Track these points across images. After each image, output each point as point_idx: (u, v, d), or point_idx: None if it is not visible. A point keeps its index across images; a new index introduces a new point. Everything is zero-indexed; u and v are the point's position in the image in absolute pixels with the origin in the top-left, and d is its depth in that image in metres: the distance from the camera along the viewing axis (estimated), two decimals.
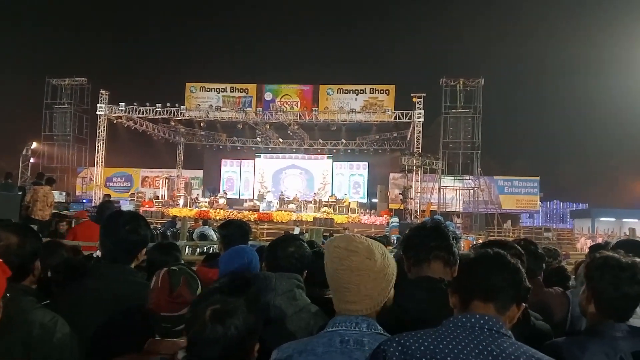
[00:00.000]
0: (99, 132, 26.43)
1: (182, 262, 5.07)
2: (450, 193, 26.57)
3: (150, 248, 2.88)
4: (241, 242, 2.84)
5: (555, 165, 35.61)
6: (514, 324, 1.72)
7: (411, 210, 24.26)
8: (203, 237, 13.10)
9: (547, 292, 2.65)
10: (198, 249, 11.06)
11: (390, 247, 7.41)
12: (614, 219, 26.69)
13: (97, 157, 26.86)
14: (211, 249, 10.16)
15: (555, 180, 33.32)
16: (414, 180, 24.79)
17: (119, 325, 1.70)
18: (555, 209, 33.28)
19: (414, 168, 24.33)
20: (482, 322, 1.36)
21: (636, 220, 26.41)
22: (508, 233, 24.98)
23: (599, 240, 19.10)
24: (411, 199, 24.54)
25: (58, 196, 16.72)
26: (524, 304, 1.43)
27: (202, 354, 1.28)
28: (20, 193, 9.81)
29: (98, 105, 26.06)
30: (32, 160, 25.89)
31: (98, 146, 26.71)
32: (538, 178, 28.70)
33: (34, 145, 26.60)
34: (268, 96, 27.44)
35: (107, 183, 30.15)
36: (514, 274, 1.42)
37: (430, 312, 1.67)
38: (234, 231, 2.95)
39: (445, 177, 25.95)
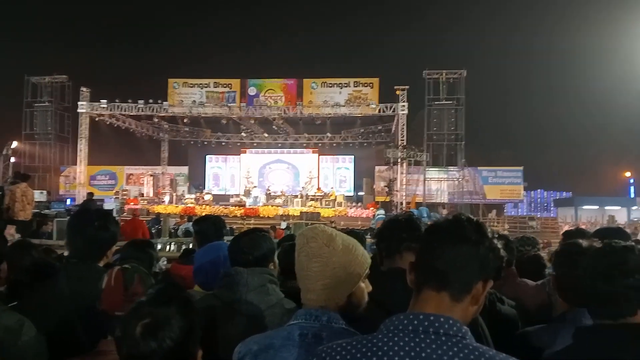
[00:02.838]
0: (80, 130, 26.10)
1: (163, 259, 5.01)
2: (435, 184, 26.71)
3: (124, 246, 2.84)
4: (215, 238, 2.81)
5: (539, 155, 36.05)
6: (480, 310, 1.72)
7: (397, 202, 24.35)
8: (188, 233, 13.03)
9: (519, 283, 2.65)
10: (183, 246, 11.01)
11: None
12: (596, 207, 27.10)
13: (80, 155, 26.53)
14: None
15: (539, 170, 33.75)
16: (399, 172, 24.87)
17: (72, 326, 1.66)
18: (539, 198, 33.65)
19: (399, 160, 24.42)
20: (426, 323, 1.10)
21: (618, 207, 26.85)
22: (493, 223, 25.18)
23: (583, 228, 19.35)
24: (397, 191, 24.63)
25: (39, 195, 16.47)
26: (491, 281, 1.18)
27: None
28: (0, 193, 9.63)
29: (79, 102, 25.74)
30: (12, 159, 25.52)
31: (80, 144, 26.39)
32: (521, 168, 28.96)
33: (15, 144, 26.21)
34: (252, 91, 27.27)
35: (91, 181, 29.79)
36: (477, 246, 1.15)
37: (402, 303, 1.67)
38: (208, 227, 2.92)
39: (430, 169, 26.07)
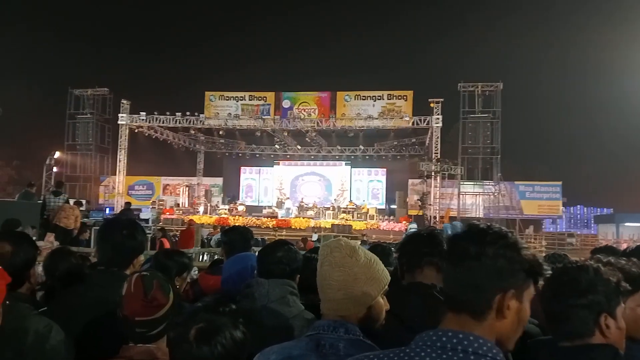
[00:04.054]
0: (120, 141, 26.91)
1: (194, 269, 5.09)
2: (470, 199, 26.26)
3: (155, 254, 2.91)
4: (243, 249, 2.85)
5: (578, 170, 35.00)
6: None
7: (430, 216, 24.06)
8: (221, 243, 13.24)
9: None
10: (216, 256, 11.16)
11: None
12: (639, 224, 26.05)
13: (119, 165, 27.32)
14: None
15: (579, 185, 32.73)
16: (432, 186, 24.59)
17: (96, 331, 1.72)
18: (579, 214, 32.62)
19: (433, 174, 24.15)
20: (454, 341, 1.07)
21: None
22: (530, 239, 24.57)
23: (624, 246, 18.63)
24: (430, 205, 24.33)
25: None
26: (513, 290, 1.08)
27: None
28: (40, 201, 10.02)
29: (119, 114, 26.57)
30: (55, 169, 26.43)
31: (120, 155, 27.19)
32: (560, 183, 28.20)
33: (57, 154, 27.16)
34: (286, 104, 27.56)
35: (129, 191, 30.58)
36: (479, 259, 1.08)
37: (421, 318, 1.66)
38: (236, 237, 2.97)
39: (465, 183, 25.67)
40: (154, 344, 1.58)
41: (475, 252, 1.09)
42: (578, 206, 32.90)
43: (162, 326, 1.58)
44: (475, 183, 25.99)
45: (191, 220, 16.37)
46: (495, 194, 25.61)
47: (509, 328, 1.10)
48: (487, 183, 25.84)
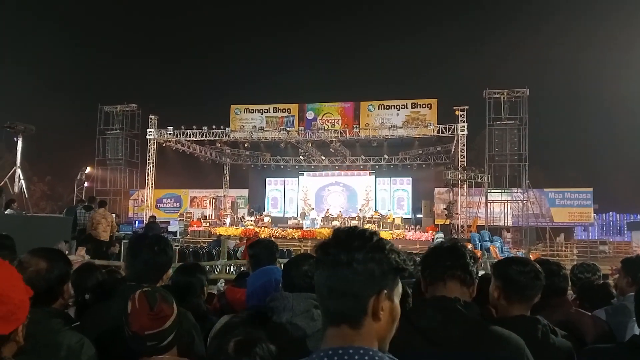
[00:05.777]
0: (149, 156, 27.43)
1: (221, 281, 5.14)
2: (497, 207, 25.87)
3: (174, 270, 2.97)
4: (268, 261, 2.88)
5: (611, 175, 34.08)
6: (532, 342, 1.67)
7: (457, 225, 23.76)
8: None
9: (576, 312, 2.48)
10: (243, 268, 11.24)
11: None
12: None
13: (148, 179, 27.83)
14: None
15: (611, 191, 31.87)
16: (459, 194, 24.30)
17: (125, 346, 1.77)
18: (611, 221, 31.71)
19: (459, 182, 23.88)
20: (336, 358, 1.01)
21: None
22: (561, 247, 24.04)
23: None
24: (457, 213, 24.04)
25: None
26: (384, 291, 1.06)
27: None
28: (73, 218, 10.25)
29: (148, 129, 27.10)
30: (86, 184, 27.08)
31: (148, 169, 27.69)
32: (591, 189, 27.53)
33: (88, 169, 27.86)
34: (310, 115, 27.74)
35: (158, 204, 31.07)
36: (350, 266, 1.04)
37: (441, 331, 1.66)
38: (261, 251, 3.00)
39: (492, 191, 25.30)
40: (166, 355, 1.63)
41: (346, 260, 1.05)
42: (611, 212, 31.96)
43: (171, 336, 1.64)
44: (503, 191, 25.61)
45: (256, 232, 17.15)
46: (524, 201, 25.17)
47: (384, 329, 1.07)
48: (515, 191, 25.44)
